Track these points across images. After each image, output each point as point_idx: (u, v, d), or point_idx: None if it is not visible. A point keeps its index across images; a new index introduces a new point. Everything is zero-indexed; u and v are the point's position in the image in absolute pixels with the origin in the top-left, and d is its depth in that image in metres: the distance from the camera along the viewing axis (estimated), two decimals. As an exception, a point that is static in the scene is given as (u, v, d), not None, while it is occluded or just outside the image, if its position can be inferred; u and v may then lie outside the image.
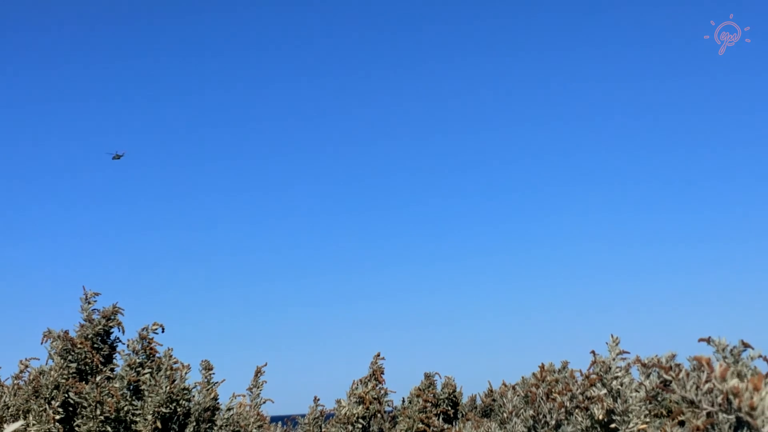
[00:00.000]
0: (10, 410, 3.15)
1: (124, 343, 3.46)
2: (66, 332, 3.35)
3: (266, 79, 43.65)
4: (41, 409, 3.13)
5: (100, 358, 3.41)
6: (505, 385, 4.27)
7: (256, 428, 3.87)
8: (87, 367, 3.36)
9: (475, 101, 39.77)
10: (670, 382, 1.77)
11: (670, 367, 1.93)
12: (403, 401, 4.14)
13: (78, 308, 3.49)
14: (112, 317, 3.49)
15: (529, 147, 37.24)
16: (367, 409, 3.68)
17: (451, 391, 4.37)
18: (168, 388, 3.32)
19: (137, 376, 3.34)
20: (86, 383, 3.24)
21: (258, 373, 4.15)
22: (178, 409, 3.40)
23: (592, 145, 35.62)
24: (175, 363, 3.44)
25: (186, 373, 3.47)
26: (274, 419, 4.47)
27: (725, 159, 33.36)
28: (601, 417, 2.46)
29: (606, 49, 36.26)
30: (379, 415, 3.88)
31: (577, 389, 2.51)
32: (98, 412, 3.16)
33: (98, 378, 3.21)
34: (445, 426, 3.80)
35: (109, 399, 3.18)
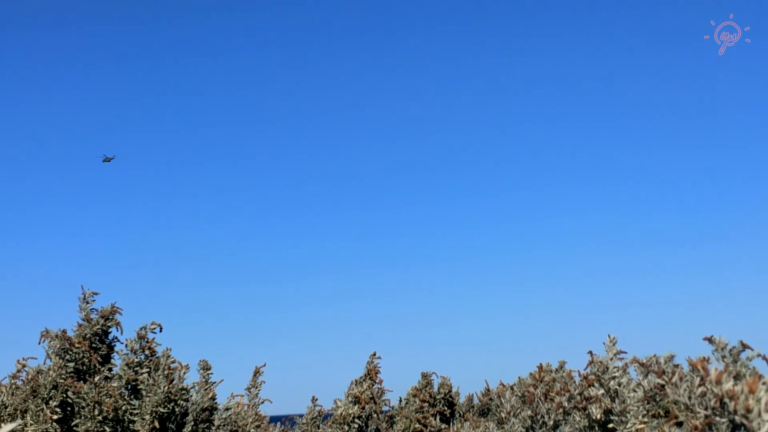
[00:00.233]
0: (7, 410, 3.15)
1: (122, 343, 3.47)
2: (64, 331, 3.35)
3: (266, 79, 43.63)
4: (39, 408, 3.13)
5: (98, 358, 3.41)
6: (503, 385, 4.28)
7: (254, 428, 3.87)
8: (85, 366, 3.36)
9: (475, 101, 39.77)
10: (664, 386, 1.78)
11: (664, 371, 1.94)
12: (400, 401, 4.14)
13: (76, 308, 3.49)
14: (111, 317, 3.49)
15: (528, 147, 37.24)
16: (363, 408, 3.68)
17: (447, 390, 4.37)
18: (166, 387, 3.33)
19: (135, 376, 3.34)
20: (84, 383, 3.24)
21: (257, 373, 4.16)
22: (176, 409, 3.41)
23: (590, 146, 35.63)
24: (173, 363, 3.44)
25: (184, 373, 3.47)
26: (273, 419, 4.48)
27: (725, 159, 33.39)
28: (598, 417, 2.47)
29: (606, 49, 36.27)
30: (375, 414, 3.88)
31: (575, 389, 2.52)
32: (96, 412, 3.16)
33: (96, 378, 3.21)
34: (442, 426, 3.81)
35: (108, 399, 3.18)
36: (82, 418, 3.18)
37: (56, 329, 3.36)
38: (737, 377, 2.31)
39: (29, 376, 3.22)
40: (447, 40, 40.51)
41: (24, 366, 3.31)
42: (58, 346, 3.30)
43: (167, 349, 3.46)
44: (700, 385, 1.63)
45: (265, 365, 4.17)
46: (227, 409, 3.86)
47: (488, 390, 4.69)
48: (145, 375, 3.35)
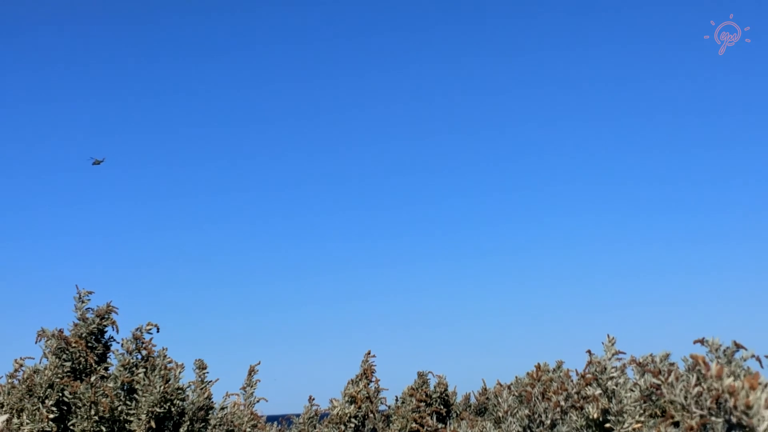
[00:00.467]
0: (3, 409, 3.15)
1: (118, 342, 3.46)
2: (60, 331, 3.34)
3: (266, 79, 43.59)
4: (35, 408, 3.13)
5: (95, 357, 3.40)
6: (500, 385, 4.29)
7: (249, 427, 3.87)
8: (81, 366, 3.35)
9: (475, 101, 39.82)
10: (660, 385, 1.79)
11: (659, 371, 1.95)
12: (397, 400, 4.15)
13: (71, 307, 3.49)
14: (106, 316, 3.49)
15: (526, 147, 37.29)
16: (359, 408, 3.68)
17: (444, 390, 4.38)
18: (162, 388, 3.32)
19: (131, 377, 3.33)
20: (81, 382, 3.24)
21: (251, 372, 4.16)
22: (173, 409, 3.40)
23: (589, 146, 35.68)
24: (170, 362, 3.44)
25: (180, 373, 3.46)
26: (270, 419, 4.48)
27: (724, 159, 33.46)
28: (596, 416, 2.48)
29: (606, 49, 36.33)
30: (372, 414, 3.89)
31: (573, 388, 2.52)
32: (92, 411, 3.16)
33: (93, 378, 3.21)
34: (439, 425, 3.81)
35: (104, 399, 3.17)
36: (79, 417, 3.17)
37: (53, 329, 3.35)
38: (733, 377, 2.32)
39: (25, 375, 3.22)
40: (447, 40, 40.55)
41: (21, 365, 3.30)
42: (55, 345, 3.30)
43: (163, 349, 3.45)
44: (696, 385, 1.64)
45: (260, 363, 4.17)
46: (223, 409, 3.86)
47: (485, 389, 4.70)
48: (141, 375, 3.35)
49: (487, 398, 4.56)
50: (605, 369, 2.45)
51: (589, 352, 2.52)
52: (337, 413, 3.63)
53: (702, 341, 2.25)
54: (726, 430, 2.32)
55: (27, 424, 3.08)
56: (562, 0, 36.71)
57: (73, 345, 3.32)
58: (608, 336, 2.46)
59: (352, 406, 3.65)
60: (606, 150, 34.27)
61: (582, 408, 2.51)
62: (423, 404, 3.89)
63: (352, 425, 3.62)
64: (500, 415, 2.73)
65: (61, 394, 3.20)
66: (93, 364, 3.36)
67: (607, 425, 2.48)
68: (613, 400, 2.46)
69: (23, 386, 3.18)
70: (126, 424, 3.28)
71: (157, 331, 3.46)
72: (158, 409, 3.30)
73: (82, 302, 3.48)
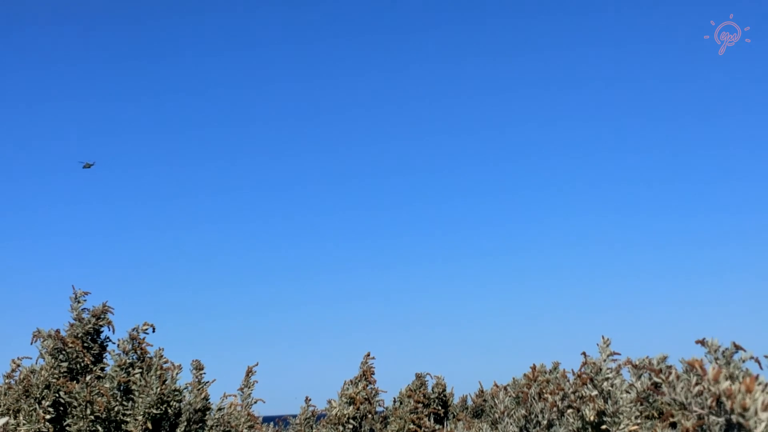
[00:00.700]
0: (0, 410, 3.14)
1: (114, 343, 3.45)
2: (57, 331, 3.33)
3: (266, 79, 43.56)
4: (31, 408, 3.12)
5: (91, 357, 3.39)
6: (497, 386, 4.28)
7: (246, 428, 3.86)
8: (78, 366, 3.35)
9: (475, 101, 39.80)
10: (661, 384, 1.78)
11: (661, 370, 1.94)
12: (394, 401, 4.14)
13: (67, 307, 3.48)
14: (102, 316, 3.48)
15: (525, 148, 37.28)
16: (358, 409, 3.68)
17: (441, 390, 4.38)
18: (159, 389, 3.31)
19: (127, 377, 3.33)
20: (77, 382, 3.23)
21: (249, 373, 4.15)
22: (169, 410, 3.39)
23: (588, 146, 35.69)
24: (166, 363, 3.43)
25: (177, 374, 3.45)
26: (267, 420, 4.47)
27: (724, 160, 33.43)
28: (592, 418, 2.47)
29: (606, 49, 36.32)
30: (370, 415, 3.88)
31: (569, 388, 2.52)
32: (88, 411, 3.15)
33: (88, 377, 3.20)
34: (436, 426, 3.81)
35: (100, 399, 3.17)
36: (74, 417, 3.16)
37: (49, 329, 3.34)
38: (731, 379, 2.32)
39: (22, 376, 3.21)
40: (447, 40, 40.56)
41: (18, 366, 3.29)
42: (51, 345, 3.29)
43: (160, 349, 3.45)
44: (696, 384, 1.64)
45: (257, 365, 4.16)
46: (220, 409, 3.85)
47: (482, 391, 4.69)
48: (138, 376, 3.34)
49: (484, 400, 4.55)
50: (600, 370, 2.44)
51: (584, 353, 2.51)
52: (336, 414, 3.63)
53: (702, 342, 2.25)
54: (725, 430, 2.32)
55: (24, 425, 3.08)
56: (562, 0, 36.71)
57: (70, 345, 3.31)
58: (603, 337, 2.45)
59: (351, 407, 3.64)
60: (606, 150, 34.26)
61: (578, 409, 2.51)
62: (421, 405, 3.89)
63: (351, 426, 3.62)
64: (497, 416, 2.72)
65: (57, 395, 3.19)
66: (89, 365, 3.36)
67: (604, 427, 2.47)
68: (609, 402, 2.45)
69: (20, 387, 3.17)
70: (122, 425, 3.27)
71: (153, 331, 3.45)
72: (155, 411, 3.30)
73: (78, 302, 3.47)
